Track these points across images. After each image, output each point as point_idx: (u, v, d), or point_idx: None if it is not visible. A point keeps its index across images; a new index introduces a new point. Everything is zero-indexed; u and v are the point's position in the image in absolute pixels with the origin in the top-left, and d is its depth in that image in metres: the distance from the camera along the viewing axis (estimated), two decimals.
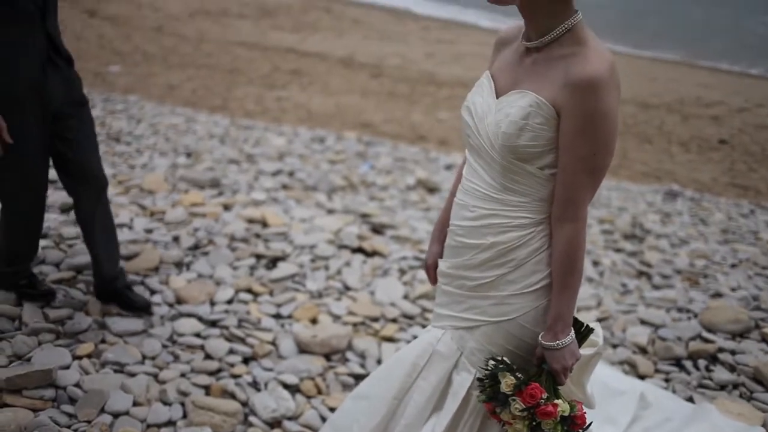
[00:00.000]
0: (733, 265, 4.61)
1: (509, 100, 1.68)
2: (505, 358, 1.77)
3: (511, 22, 1.89)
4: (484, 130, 1.73)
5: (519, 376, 1.73)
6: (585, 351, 1.84)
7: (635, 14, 17.59)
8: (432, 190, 5.84)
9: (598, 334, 1.89)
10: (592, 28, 1.66)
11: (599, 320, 3.68)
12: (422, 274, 3.96)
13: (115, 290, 3.11)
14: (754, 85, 12.42)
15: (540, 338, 1.75)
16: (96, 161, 2.93)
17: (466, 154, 1.87)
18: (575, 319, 1.80)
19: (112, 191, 4.33)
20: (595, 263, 4.52)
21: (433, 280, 2.10)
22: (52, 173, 3.02)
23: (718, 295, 3.97)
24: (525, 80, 1.69)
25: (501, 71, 1.79)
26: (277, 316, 3.42)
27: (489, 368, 1.76)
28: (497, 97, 1.74)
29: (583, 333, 1.82)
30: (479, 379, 1.80)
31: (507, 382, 1.71)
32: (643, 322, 3.61)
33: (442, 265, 1.92)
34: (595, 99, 1.55)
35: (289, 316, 3.42)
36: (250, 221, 4.24)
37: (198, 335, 3.16)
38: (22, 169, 2.71)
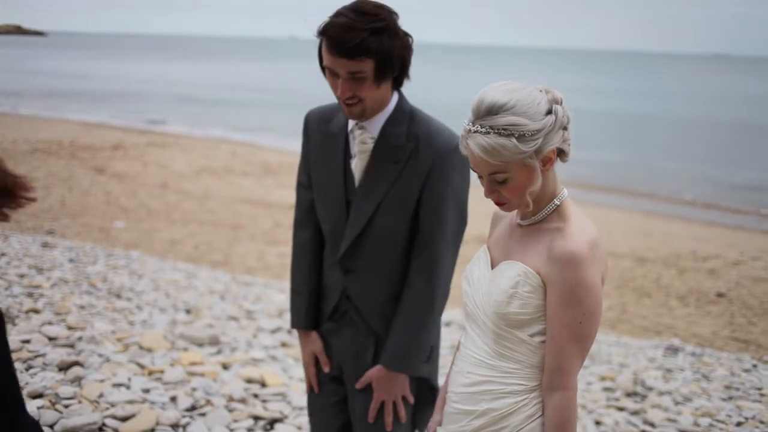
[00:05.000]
0: (739, 424, 4.53)
1: (500, 271, 1.80)
2: None
3: None
4: (479, 299, 1.83)
5: None
6: None
7: (607, 166, 18.17)
8: None
9: None
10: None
11: None
12: None
13: None
14: (748, 238, 12.62)
15: None
16: None
17: (465, 322, 1.93)
18: None
19: (111, 348, 4.33)
20: (597, 423, 4.44)
21: None
22: None
23: None
24: (515, 251, 1.81)
25: (495, 244, 1.92)
26: None
27: None
28: (492, 268, 1.85)
29: None
30: None
31: None
32: None
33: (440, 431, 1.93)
34: (576, 273, 1.65)
35: None
36: (249, 381, 4.21)
37: None
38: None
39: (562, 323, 1.68)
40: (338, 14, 2.09)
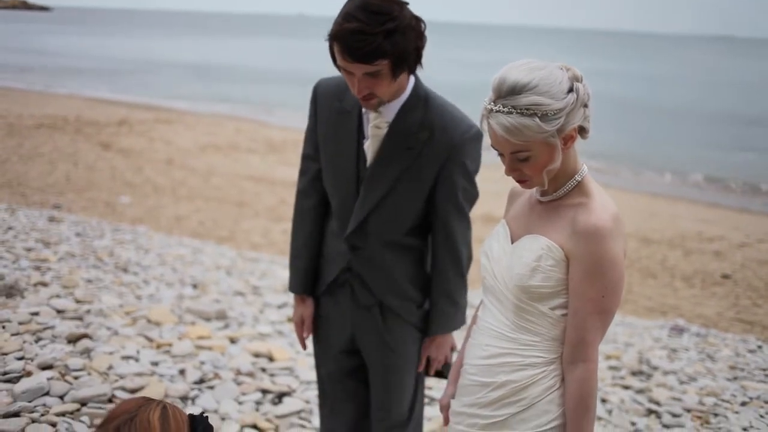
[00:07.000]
0: (744, 403, 4.55)
1: (522, 244, 1.80)
2: None
3: None
4: (500, 272, 1.83)
5: None
6: None
7: (608, 146, 18.06)
8: None
9: None
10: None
11: None
12: (431, 409, 3.91)
13: None
14: (754, 221, 12.59)
15: None
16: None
17: (482, 296, 1.93)
18: None
19: (119, 321, 4.35)
20: (603, 400, 4.46)
21: (446, 420, 2.10)
22: None
23: None
24: (537, 226, 1.81)
25: (515, 219, 1.92)
26: None
27: None
28: (512, 243, 1.85)
29: None
30: None
31: None
32: None
33: (455, 404, 1.94)
34: (601, 246, 1.66)
35: None
36: (256, 355, 4.23)
37: None
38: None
39: (586, 297, 1.69)
40: (348, 17, 2.02)
